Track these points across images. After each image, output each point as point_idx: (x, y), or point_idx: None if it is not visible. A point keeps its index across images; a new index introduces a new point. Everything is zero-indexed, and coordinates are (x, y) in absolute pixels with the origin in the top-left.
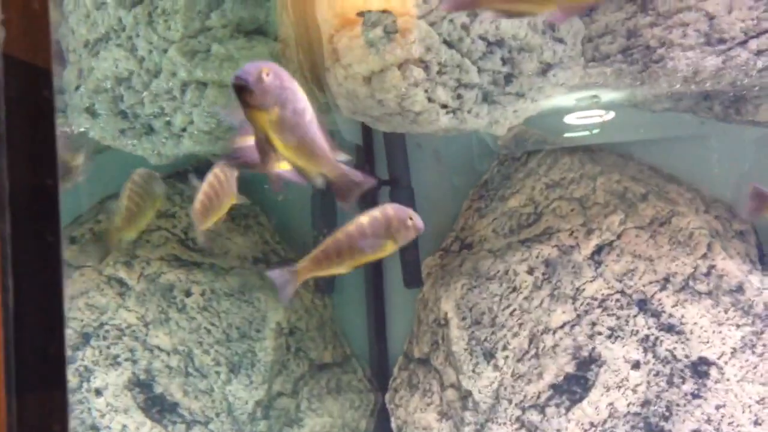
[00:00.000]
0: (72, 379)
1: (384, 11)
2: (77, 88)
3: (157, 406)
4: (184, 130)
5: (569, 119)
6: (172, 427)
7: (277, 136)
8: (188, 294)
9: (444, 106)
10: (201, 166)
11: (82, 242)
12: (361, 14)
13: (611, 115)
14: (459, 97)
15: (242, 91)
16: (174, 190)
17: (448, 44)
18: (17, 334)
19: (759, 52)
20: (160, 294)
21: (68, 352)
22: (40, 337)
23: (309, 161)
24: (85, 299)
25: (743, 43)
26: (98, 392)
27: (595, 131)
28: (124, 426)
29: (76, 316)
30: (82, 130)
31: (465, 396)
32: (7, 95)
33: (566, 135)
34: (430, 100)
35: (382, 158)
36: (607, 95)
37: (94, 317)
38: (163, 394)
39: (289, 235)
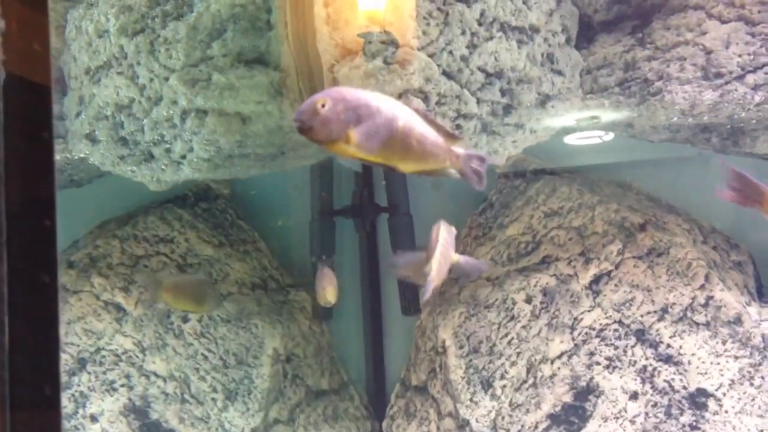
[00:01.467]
0: (67, 405)
1: (384, 42)
2: (78, 114)
3: None
4: (183, 157)
5: (569, 140)
6: None
7: (371, 156)
8: (185, 320)
9: None
10: (200, 192)
11: (80, 267)
12: (363, 36)
13: (611, 136)
14: (458, 127)
15: (304, 132)
16: (173, 215)
17: (448, 75)
18: (12, 377)
19: (756, 87)
20: (157, 319)
21: (64, 378)
22: (35, 381)
23: (428, 163)
24: (82, 324)
25: (740, 78)
26: (93, 418)
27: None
28: None
29: (73, 341)
30: (81, 155)
31: (462, 425)
32: (6, 137)
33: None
34: None
35: (381, 185)
36: (608, 116)
37: (91, 342)
38: (159, 421)
39: (288, 261)
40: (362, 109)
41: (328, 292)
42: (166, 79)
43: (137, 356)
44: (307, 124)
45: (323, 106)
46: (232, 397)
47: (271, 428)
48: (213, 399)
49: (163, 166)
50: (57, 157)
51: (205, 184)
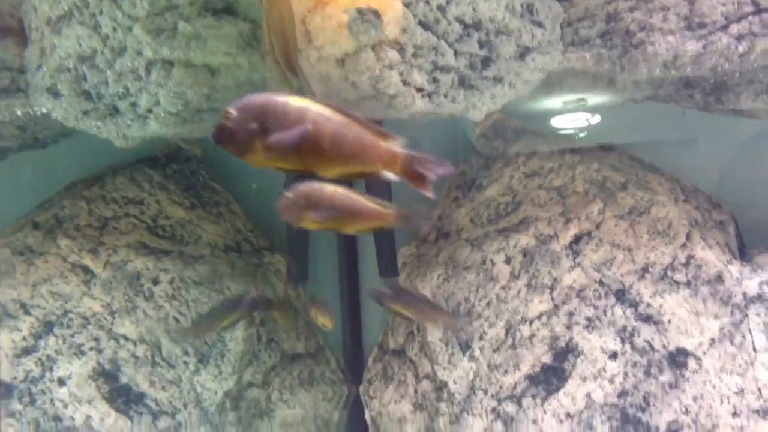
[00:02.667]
0: (34, 369)
1: None
2: (39, 67)
3: (122, 396)
4: (150, 111)
5: (555, 122)
6: (138, 418)
7: (287, 164)
8: (156, 282)
9: (419, 90)
10: (171, 153)
11: (46, 228)
12: None
13: (597, 118)
14: (435, 80)
15: (220, 146)
16: (142, 176)
17: (424, 26)
18: None
19: (740, 37)
20: (126, 282)
21: (30, 341)
22: None
23: (354, 165)
24: (49, 287)
25: (724, 28)
26: (61, 382)
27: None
28: (88, 417)
29: (39, 304)
30: (44, 110)
31: (440, 387)
32: None
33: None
34: (405, 83)
35: None
36: (594, 98)
37: (58, 305)
38: (129, 385)
39: (263, 223)
40: (268, 117)
41: (326, 320)
42: (130, 28)
43: (106, 319)
44: (217, 138)
45: (227, 117)
46: (205, 360)
47: (245, 391)
48: (185, 362)
49: (128, 121)
50: (18, 112)
51: (175, 144)
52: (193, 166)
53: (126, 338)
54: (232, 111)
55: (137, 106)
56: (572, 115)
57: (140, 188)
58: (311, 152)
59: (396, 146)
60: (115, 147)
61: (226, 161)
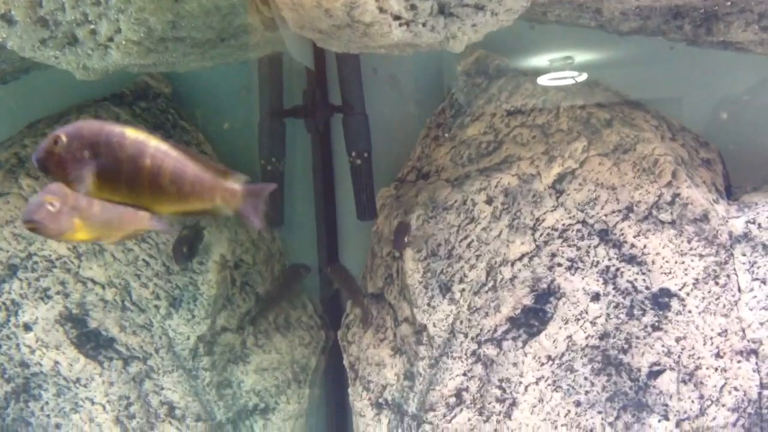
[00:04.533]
0: None
1: None
2: None
3: (91, 341)
4: (110, 39)
5: (542, 80)
6: (108, 364)
7: (117, 197)
8: None
9: (396, 18)
10: (138, 91)
11: (6, 167)
12: None
13: (584, 76)
14: (413, 8)
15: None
16: (109, 114)
17: None
18: None
19: None
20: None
21: None
22: None
23: (190, 203)
24: (11, 228)
25: None
26: (27, 327)
27: None
28: (56, 362)
29: (2, 247)
30: None
31: (419, 330)
32: None
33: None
34: (381, 10)
35: (335, 83)
36: (581, 56)
37: (21, 248)
38: (98, 329)
39: (236, 163)
40: (101, 146)
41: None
42: None
43: (72, 262)
44: (42, 164)
45: (56, 143)
46: (176, 304)
47: (218, 336)
48: (156, 306)
49: (89, 51)
50: None
51: (143, 81)
52: (161, 104)
53: (94, 282)
54: (62, 136)
55: (97, 34)
56: (559, 74)
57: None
58: (148, 188)
59: (235, 183)
60: (80, 84)
61: (196, 100)
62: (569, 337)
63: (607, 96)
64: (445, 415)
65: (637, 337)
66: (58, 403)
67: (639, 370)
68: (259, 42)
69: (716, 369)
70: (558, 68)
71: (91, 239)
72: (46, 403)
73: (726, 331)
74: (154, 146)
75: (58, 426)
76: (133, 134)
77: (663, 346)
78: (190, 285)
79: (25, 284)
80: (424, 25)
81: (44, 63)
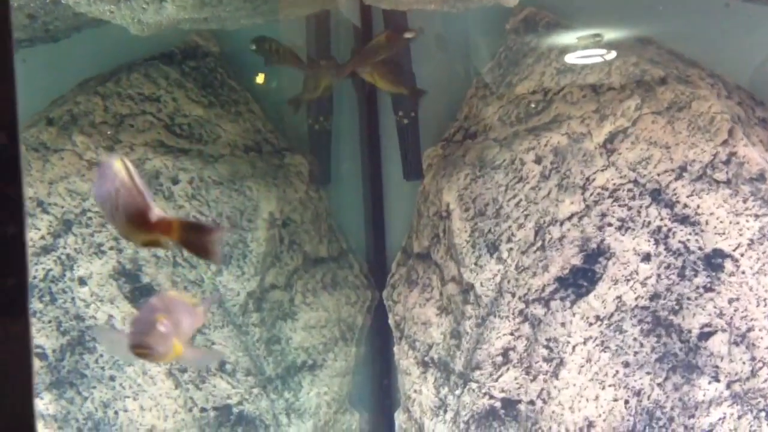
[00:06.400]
0: (54, 268)
1: None
2: None
3: (144, 296)
4: None
5: (570, 59)
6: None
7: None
8: (175, 181)
9: None
10: (188, 49)
11: (60, 124)
12: None
13: (613, 54)
14: None
15: None
16: (158, 73)
17: None
18: None
19: None
20: (145, 180)
21: (49, 240)
22: None
23: (132, 234)
24: (66, 184)
25: None
26: (82, 281)
27: None
28: (110, 316)
29: (57, 202)
30: None
31: (466, 290)
32: None
33: None
34: None
35: None
36: (609, 34)
37: (75, 203)
38: (151, 284)
39: (284, 123)
40: None
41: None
42: None
43: None
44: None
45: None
46: (227, 260)
47: (267, 293)
48: (206, 262)
49: (144, 5)
50: None
51: (192, 40)
52: (210, 63)
53: None
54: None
55: None
56: (587, 52)
57: (156, 85)
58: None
59: (170, 215)
60: (129, 43)
61: (244, 59)
62: (618, 297)
63: (661, 54)
64: (491, 374)
65: (689, 299)
66: (112, 356)
67: (690, 331)
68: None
69: None
70: (586, 46)
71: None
72: (101, 355)
73: None
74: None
75: (112, 378)
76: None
77: (715, 307)
78: (239, 242)
79: (80, 239)
80: None
81: (97, 19)
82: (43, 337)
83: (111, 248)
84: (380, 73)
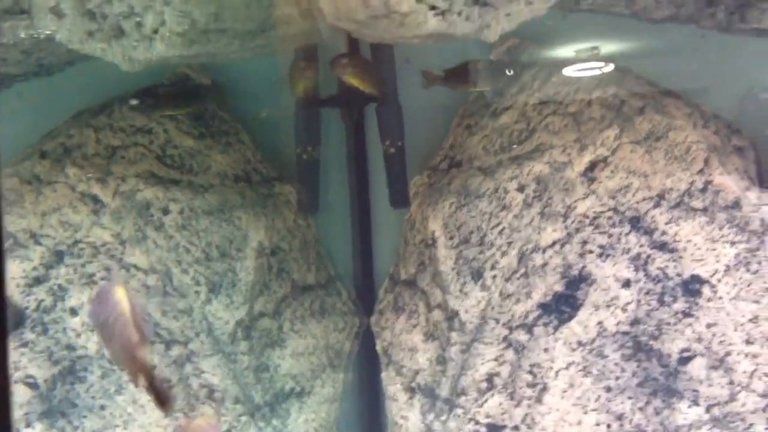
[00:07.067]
0: (45, 299)
1: None
2: None
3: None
4: (155, 31)
5: (567, 71)
6: (151, 348)
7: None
8: (166, 212)
9: (432, 8)
10: (177, 80)
11: (53, 157)
12: None
13: (611, 67)
14: None
15: None
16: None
17: None
18: None
19: None
20: (136, 211)
21: (41, 271)
22: None
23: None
24: (58, 216)
25: None
26: (74, 311)
27: None
28: (101, 346)
29: (49, 234)
30: (48, 32)
31: (451, 316)
32: None
33: None
34: (417, 0)
35: None
36: (607, 47)
37: (68, 235)
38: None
39: (272, 153)
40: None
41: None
42: None
43: (116, 249)
44: None
45: None
46: (216, 289)
47: (256, 321)
48: (196, 292)
49: (134, 42)
50: (22, 35)
51: (183, 72)
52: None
53: (137, 268)
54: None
55: (143, 27)
56: (585, 65)
57: (148, 117)
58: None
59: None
60: (122, 75)
61: (234, 90)
62: (600, 323)
63: (639, 84)
64: (476, 400)
65: (668, 324)
66: (103, 385)
67: (669, 356)
68: (297, 33)
69: (746, 355)
70: (584, 59)
71: None
72: (92, 385)
73: (757, 317)
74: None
75: (102, 407)
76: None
77: (693, 332)
78: (228, 271)
79: (72, 270)
80: (459, 14)
81: (90, 55)
82: (35, 367)
83: (102, 278)
84: (358, 73)
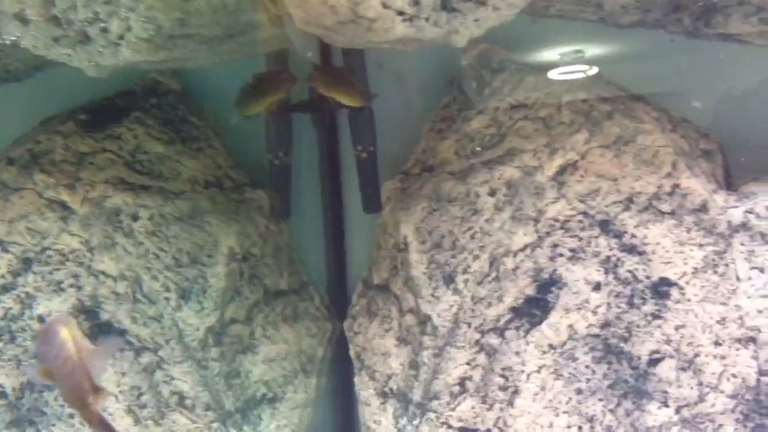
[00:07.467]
0: (13, 306)
1: None
2: None
3: (103, 333)
4: (121, 37)
5: (552, 74)
6: (120, 355)
7: None
8: (135, 218)
9: (400, 13)
10: (148, 87)
11: (20, 163)
12: None
13: (595, 70)
14: (416, 3)
15: None
16: (119, 110)
17: None
18: None
19: None
20: (105, 218)
21: (9, 279)
22: None
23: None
24: (26, 223)
25: None
26: (41, 319)
27: None
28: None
29: (16, 241)
30: (13, 38)
31: (424, 321)
32: None
33: None
34: (385, 5)
35: None
36: (592, 50)
37: (35, 242)
38: (110, 321)
39: (244, 159)
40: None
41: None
42: None
43: (85, 256)
44: None
45: None
46: (186, 296)
47: (227, 327)
48: (166, 298)
49: (100, 48)
50: None
51: (152, 78)
52: (171, 100)
53: (106, 275)
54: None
55: (108, 32)
56: (569, 68)
57: (117, 123)
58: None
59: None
60: (91, 81)
61: (206, 96)
62: (571, 326)
63: (609, 89)
64: (449, 404)
65: (638, 326)
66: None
67: (639, 358)
68: (266, 38)
69: (715, 356)
70: (568, 62)
71: None
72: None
73: (725, 319)
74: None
75: (71, 415)
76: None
77: (663, 334)
78: (199, 277)
79: (39, 277)
80: (426, 20)
81: (56, 61)
82: (2, 376)
83: (71, 285)
84: (336, 87)
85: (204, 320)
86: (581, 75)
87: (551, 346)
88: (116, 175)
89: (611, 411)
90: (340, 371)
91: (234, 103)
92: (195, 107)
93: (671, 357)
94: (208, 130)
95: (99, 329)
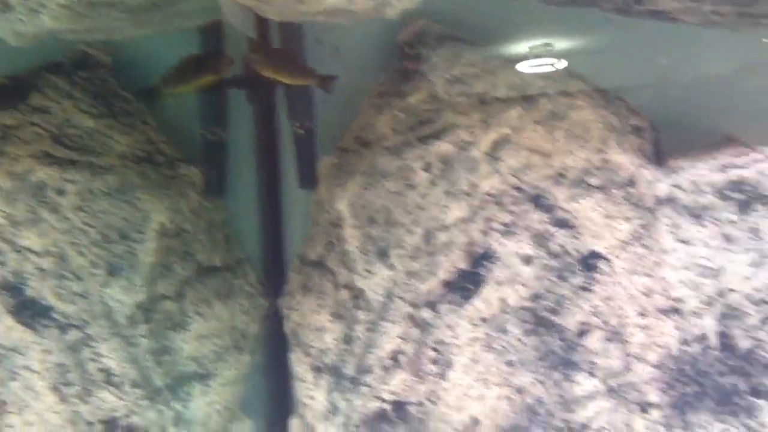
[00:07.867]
0: None
1: None
2: None
3: (28, 310)
4: (42, 5)
5: (521, 67)
6: (45, 332)
7: None
8: (61, 193)
9: None
10: (78, 59)
11: None
12: None
13: (564, 63)
14: None
15: None
16: (47, 83)
17: None
18: None
19: None
20: (30, 193)
21: None
22: None
23: None
24: None
25: None
26: None
27: None
28: None
29: None
30: None
31: (358, 295)
32: None
33: None
34: None
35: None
36: (561, 43)
37: None
38: (35, 298)
39: (178, 135)
40: None
41: None
42: None
43: (9, 231)
44: None
45: None
46: (115, 272)
47: (157, 304)
48: (93, 274)
49: (20, 16)
50: None
51: (82, 50)
52: (102, 73)
53: (30, 250)
54: None
55: (28, 0)
56: (538, 61)
57: (44, 96)
58: None
59: None
60: (17, 52)
61: (138, 69)
62: (502, 299)
63: (546, 65)
64: (381, 377)
65: (567, 299)
66: None
67: (568, 329)
68: (195, 9)
69: (641, 327)
70: (537, 55)
71: None
72: None
73: (650, 290)
74: None
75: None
76: None
77: (591, 306)
78: (128, 253)
79: None
80: None
81: None
82: None
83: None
84: (282, 69)
85: (132, 297)
86: (519, 52)
87: (483, 320)
88: (42, 149)
89: (541, 382)
90: (275, 348)
91: (159, 81)
92: (127, 81)
93: (599, 328)
94: (141, 104)
95: (23, 305)
